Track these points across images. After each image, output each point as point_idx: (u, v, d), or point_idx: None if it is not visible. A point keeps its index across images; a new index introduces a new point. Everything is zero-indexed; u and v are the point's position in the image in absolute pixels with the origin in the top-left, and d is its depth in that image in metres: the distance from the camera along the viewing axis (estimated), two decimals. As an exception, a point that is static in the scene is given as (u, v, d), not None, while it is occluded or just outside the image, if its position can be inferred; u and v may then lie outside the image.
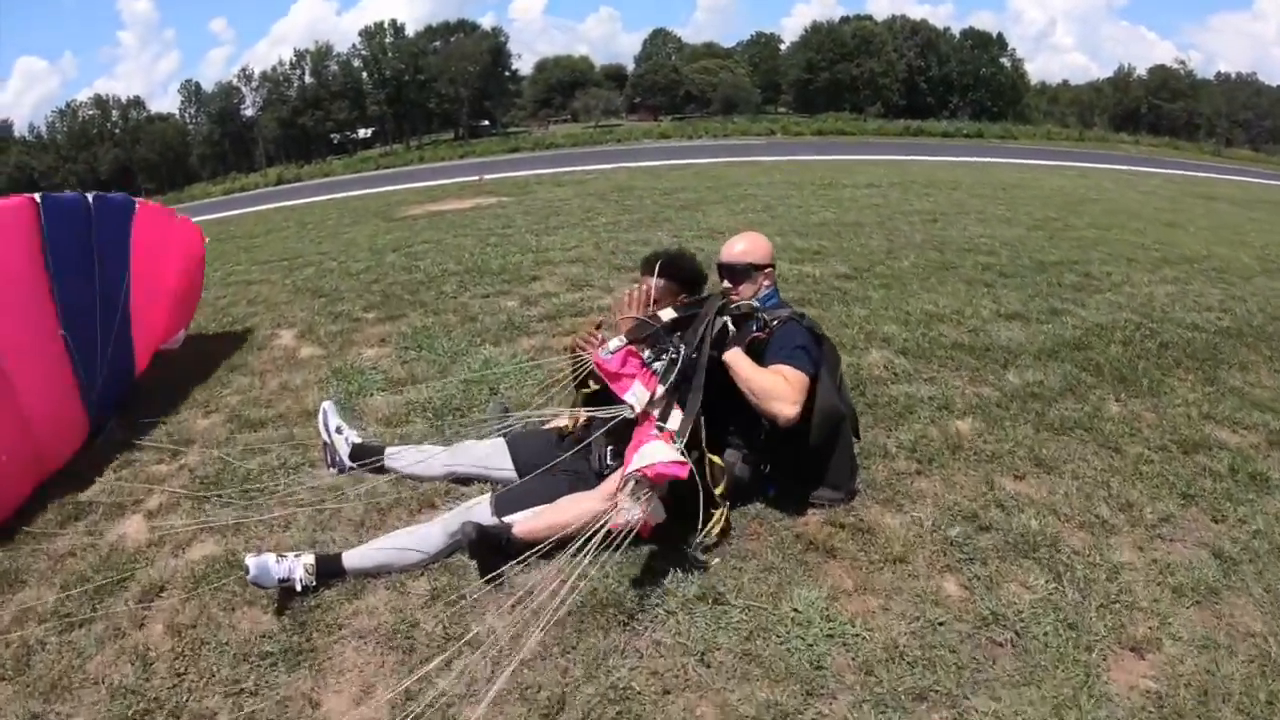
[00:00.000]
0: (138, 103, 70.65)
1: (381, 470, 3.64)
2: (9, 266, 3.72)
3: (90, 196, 4.34)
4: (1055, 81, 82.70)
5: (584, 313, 6.01)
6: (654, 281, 3.32)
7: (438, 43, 71.19)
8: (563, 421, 3.52)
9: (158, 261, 4.84)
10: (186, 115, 70.95)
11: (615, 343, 3.10)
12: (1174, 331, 5.53)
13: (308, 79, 70.67)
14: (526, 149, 36.74)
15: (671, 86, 72.61)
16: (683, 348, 3.03)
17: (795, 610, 2.76)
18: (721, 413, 3.14)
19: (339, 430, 3.72)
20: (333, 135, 71.19)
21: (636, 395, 3.02)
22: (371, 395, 4.69)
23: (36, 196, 3.87)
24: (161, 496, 3.72)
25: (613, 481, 2.98)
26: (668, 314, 3.17)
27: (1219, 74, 75.24)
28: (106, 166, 63.58)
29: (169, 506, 3.64)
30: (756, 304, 3.35)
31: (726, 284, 3.45)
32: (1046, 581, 2.83)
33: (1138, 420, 4.08)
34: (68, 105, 69.05)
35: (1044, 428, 3.97)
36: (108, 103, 68.96)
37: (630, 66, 79.25)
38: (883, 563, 2.96)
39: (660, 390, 3.00)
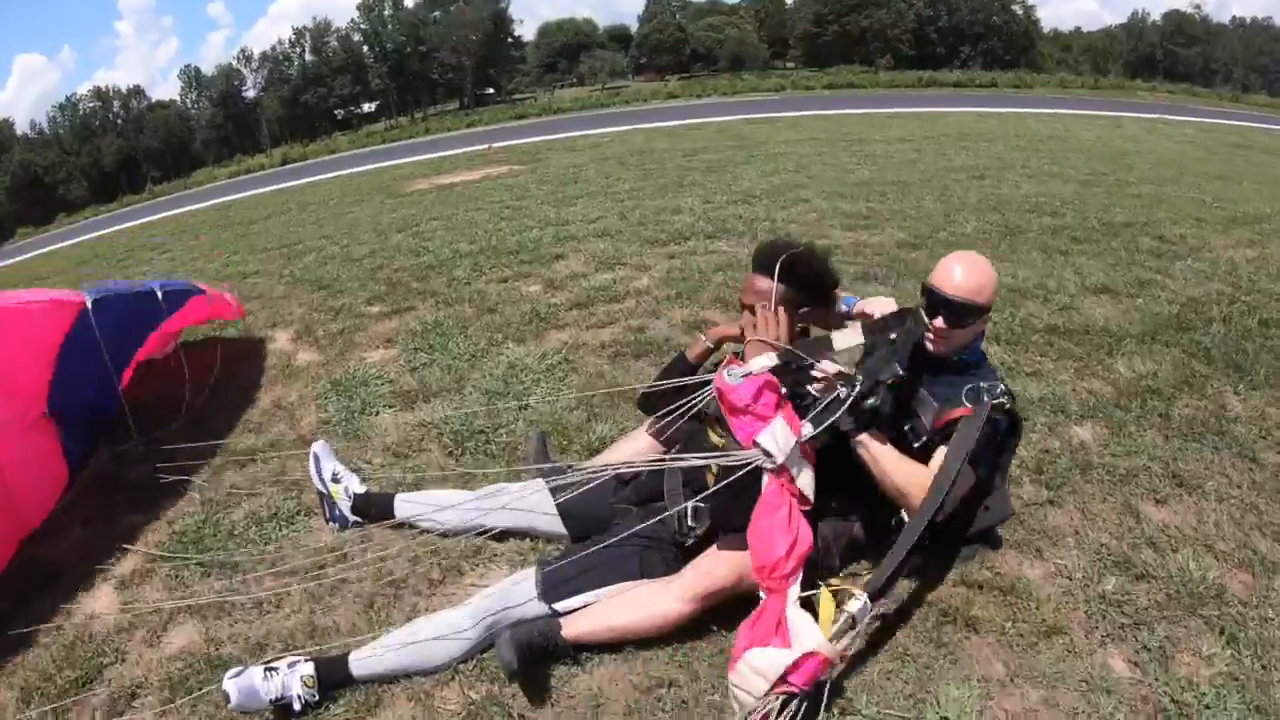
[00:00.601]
0: (138, 92, 69.88)
1: (392, 522, 3.02)
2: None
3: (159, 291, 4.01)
4: (1068, 29, 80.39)
5: (619, 298, 5.36)
6: (771, 285, 2.59)
7: (437, 12, 69.73)
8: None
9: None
10: (188, 101, 70.25)
11: (760, 362, 2.37)
12: (1270, 306, 5.12)
13: (308, 56, 69.84)
14: (533, 115, 36.01)
15: (677, 45, 71.07)
16: (854, 385, 2.41)
17: (944, 718, 2.20)
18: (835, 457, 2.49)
19: (335, 478, 3.06)
20: (336, 111, 70.49)
21: (777, 440, 2.29)
22: (377, 413, 4.02)
23: (88, 302, 3.51)
24: (136, 559, 3.11)
25: (703, 581, 2.42)
26: (845, 339, 2.49)
27: (1234, 18, 73.73)
28: (110, 158, 63.23)
29: (143, 573, 3.02)
30: (966, 357, 2.62)
31: (936, 320, 2.55)
32: (1222, 648, 2.37)
33: (1264, 419, 3.67)
34: (68, 99, 68.32)
35: (1171, 433, 3.54)
36: (108, 94, 68.20)
37: (634, 26, 77.55)
38: (1036, 636, 2.44)
39: (805, 433, 2.36)
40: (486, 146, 16.22)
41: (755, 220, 7.23)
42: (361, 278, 6.39)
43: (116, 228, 19.27)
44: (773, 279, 2.58)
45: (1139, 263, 6.03)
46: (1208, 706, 2.17)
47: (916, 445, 2.54)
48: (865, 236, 6.77)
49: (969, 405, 2.47)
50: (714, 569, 2.41)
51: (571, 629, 2.38)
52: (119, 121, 67.03)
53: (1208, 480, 3.20)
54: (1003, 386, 2.52)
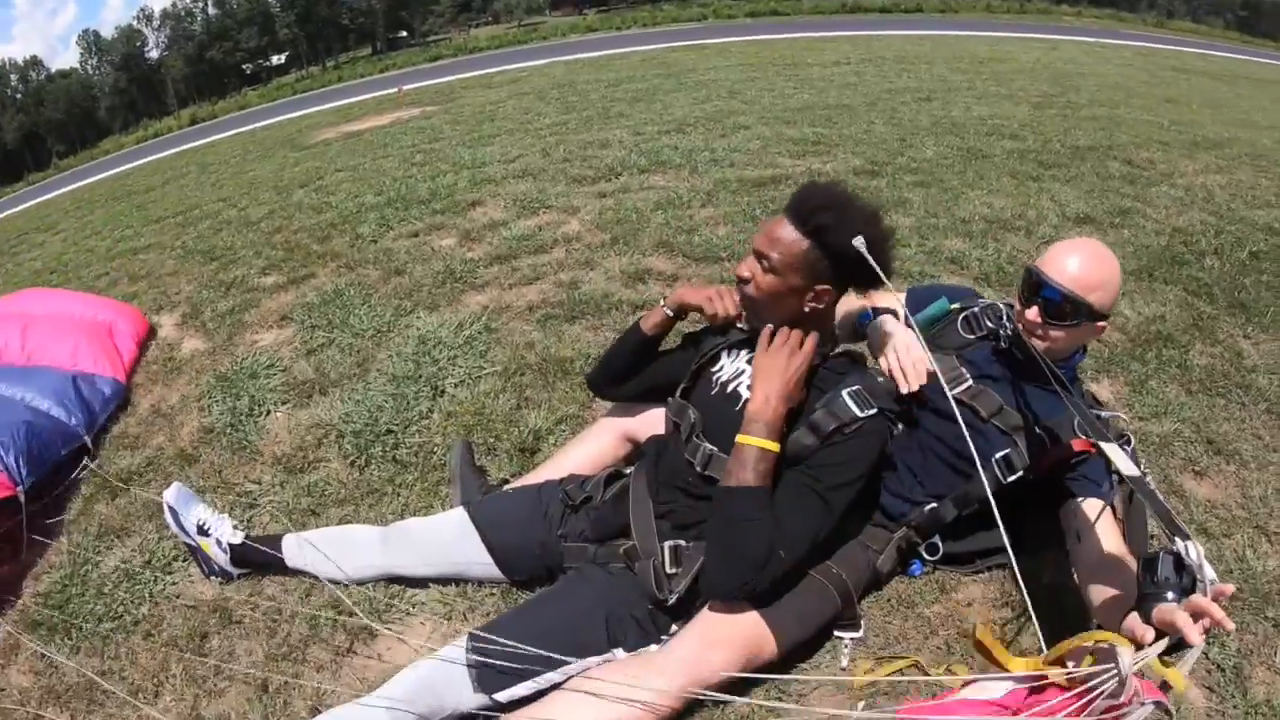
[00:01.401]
0: (36, 63, 67.47)
1: (283, 568, 2.38)
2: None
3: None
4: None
5: (545, 247, 4.70)
6: (794, 238, 1.87)
7: (344, -47, 67.71)
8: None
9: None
10: (89, 68, 67.92)
11: None
12: (1256, 237, 4.96)
13: (211, 10, 67.80)
14: (449, 56, 34.67)
15: (595, -22, 69.60)
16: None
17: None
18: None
19: (203, 529, 2.39)
20: (244, 66, 68.36)
21: None
22: (267, 413, 3.34)
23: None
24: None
25: (698, 670, 1.78)
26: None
27: (1159, -58, 74.11)
28: (12, 135, 60.93)
29: (6, 650, 2.39)
30: (1061, 370, 2.09)
31: (1030, 311, 2.05)
32: None
33: (1279, 366, 3.46)
34: (-38, 77, 65.58)
35: (1194, 387, 3.27)
36: (4, 68, 65.62)
37: (551, -41, 75.68)
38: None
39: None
40: (397, 89, 15.20)
41: (694, 151, 6.60)
42: (257, 244, 5.63)
43: (19, 208, 17.98)
44: (803, 230, 1.87)
45: (1114, 189, 5.74)
46: None
47: (1010, 479, 2.07)
48: (817, 164, 6.28)
49: (1083, 437, 2.02)
50: (712, 653, 1.78)
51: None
52: (18, 96, 64.59)
53: (1242, 444, 2.93)
54: (1123, 415, 2.14)
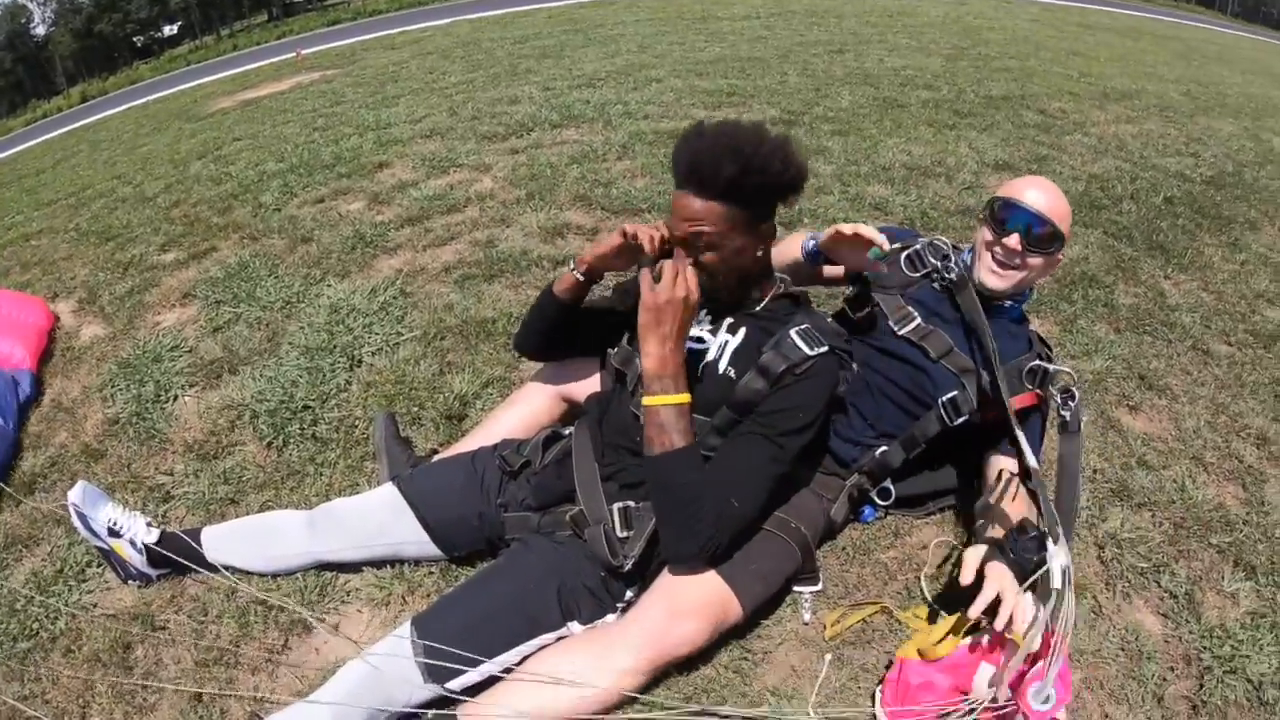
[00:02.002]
0: None
1: (205, 565, 2.17)
2: None
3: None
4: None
5: (458, 206, 4.51)
6: (709, 206, 1.71)
7: (232, -88, 64.91)
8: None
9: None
10: None
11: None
12: (1169, 183, 5.20)
13: None
14: (348, 20, 33.48)
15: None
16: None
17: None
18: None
19: (115, 530, 2.16)
20: (135, 39, 64.83)
21: None
22: (175, 398, 3.07)
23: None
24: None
25: (663, 642, 1.70)
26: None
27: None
28: None
29: None
30: (1013, 308, 2.15)
31: (1010, 239, 1.97)
32: (1243, 580, 2.22)
33: (1200, 305, 3.69)
34: None
35: (1121, 325, 3.42)
36: None
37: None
38: None
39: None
40: (295, 54, 14.58)
41: (606, 104, 6.46)
42: (155, 220, 5.27)
43: None
44: (720, 199, 1.70)
45: (1030, 138, 5.92)
46: (1246, 656, 1.97)
47: (956, 421, 2.05)
48: (733, 115, 6.09)
49: (1032, 390, 2.03)
50: (680, 624, 1.69)
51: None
52: None
53: (1171, 379, 3.09)
54: (1067, 369, 2.06)
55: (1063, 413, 1.92)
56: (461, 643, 1.64)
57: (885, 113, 6.25)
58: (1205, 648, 1.98)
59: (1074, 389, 1.93)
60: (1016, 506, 1.90)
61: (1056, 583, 1.59)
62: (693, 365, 1.81)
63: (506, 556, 1.89)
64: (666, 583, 1.75)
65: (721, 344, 1.87)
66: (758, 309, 1.89)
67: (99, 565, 2.31)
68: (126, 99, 19.99)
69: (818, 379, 1.77)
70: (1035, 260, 1.99)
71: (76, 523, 2.15)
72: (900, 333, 2.09)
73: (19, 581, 2.33)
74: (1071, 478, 1.90)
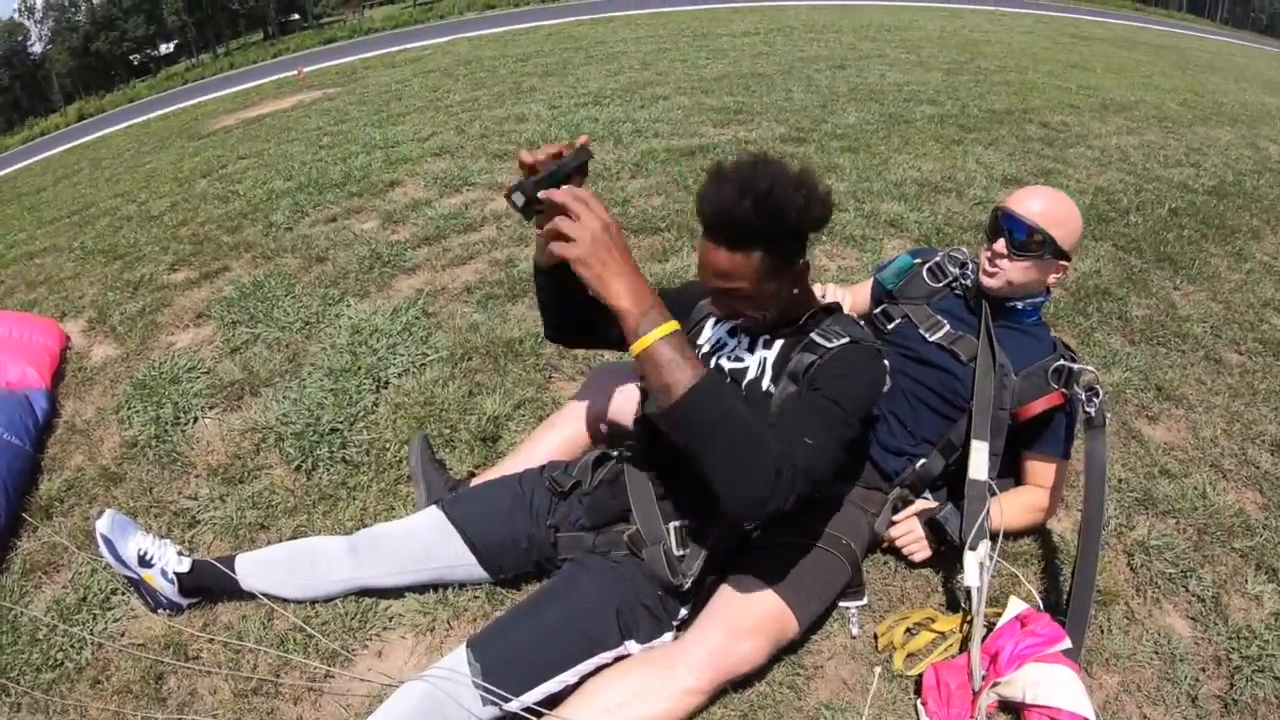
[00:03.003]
0: None
1: (240, 593, 2.14)
2: None
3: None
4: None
5: (474, 225, 4.51)
6: (739, 259, 1.61)
7: (233, -66, 65.26)
8: None
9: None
10: None
11: None
12: (1173, 194, 5.26)
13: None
14: (344, 38, 33.67)
15: (487, -46, 68.81)
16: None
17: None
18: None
19: (145, 560, 2.11)
20: (132, 57, 65.43)
21: None
22: (194, 420, 3.04)
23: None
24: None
25: (727, 660, 1.71)
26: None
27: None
28: None
29: None
30: (1027, 313, 2.20)
31: (997, 243, 2.10)
32: (1265, 583, 2.27)
33: (1209, 315, 3.73)
34: None
35: (1135, 338, 3.46)
36: None
37: (446, -65, 74.37)
38: (1094, 608, 2.08)
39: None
40: (297, 71, 14.62)
41: (615, 122, 6.47)
42: (163, 238, 5.23)
43: None
44: (748, 250, 1.60)
45: (1035, 151, 5.97)
46: (1273, 655, 2.01)
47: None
48: (742, 132, 6.22)
49: (1058, 389, 2.08)
50: (741, 643, 1.71)
51: None
52: None
53: (1186, 389, 3.13)
54: (1091, 369, 2.07)
55: (1088, 410, 1.99)
56: (520, 664, 1.64)
57: (892, 129, 6.28)
58: (1234, 648, 2.03)
59: (1098, 387, 2.00)
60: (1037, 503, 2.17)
61: (971, 580, 1.86)
62: (736, 386, 1.80)
63: (561, 577, 1.86)
64: (724, 602, 1.76)
65: (761, 361, 1.81)
66: (803, 322, 1.83)
67: (124, 593, 2.25)
68: (124, 117, 20.06)
69: (857, 350, 1.71)
70: (1022, 263, 2.08)
71: (105, 553, 2.09)
72: (931, 339, 2.19)
73: (40, 609, 2.26)
74: (1099, 472, 1.95)
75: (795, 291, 1.74)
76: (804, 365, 1.70)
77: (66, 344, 3.78)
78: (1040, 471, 2.17)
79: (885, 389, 1.77)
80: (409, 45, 17.24)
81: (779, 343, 1.82)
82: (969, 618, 1.91)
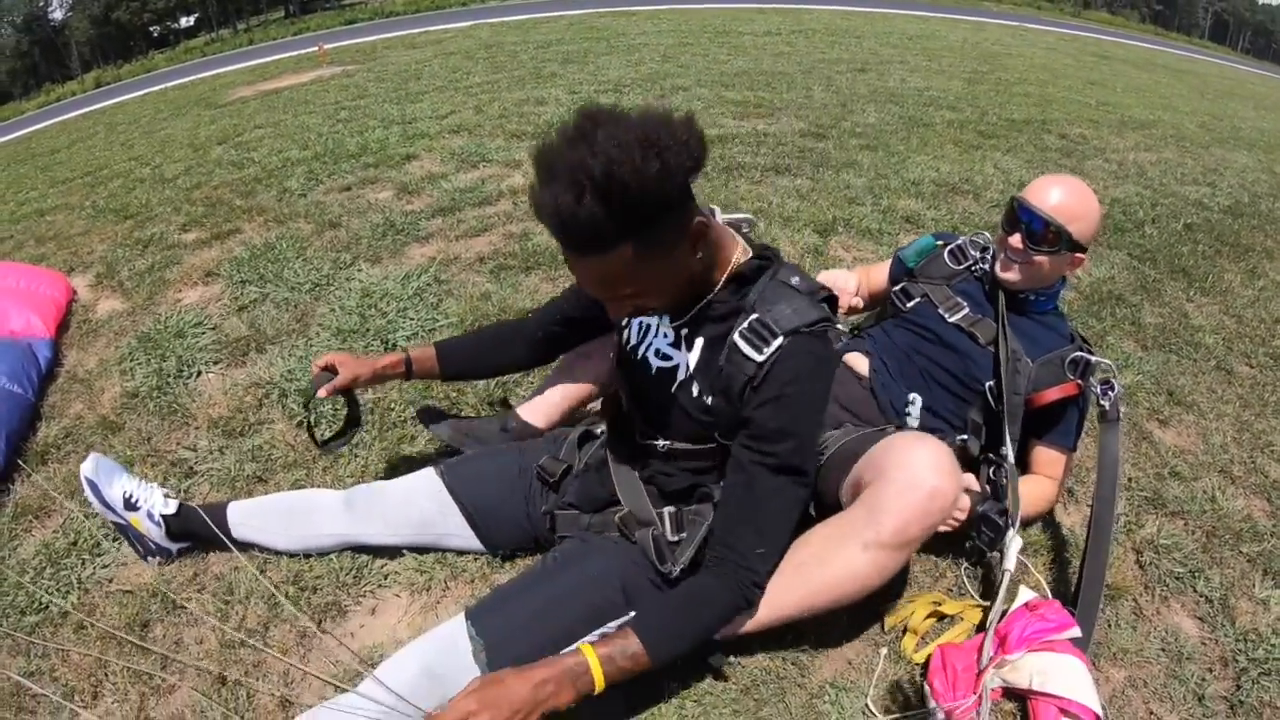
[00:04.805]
0: None
1: (228, 540, 2.07)
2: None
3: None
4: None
5: (490, 199, 4.48)
6: (611, 260, 1.33)
7: (256, -96, 64.96)
8: None
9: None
10: None
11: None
12: (1188, 210, 5.24)
13: None
14: (365, 19, 33.54)
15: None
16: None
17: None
18: None
19: (131, 503, 2.07)
20: (151, 28, 64.63)
21: None
22: (198, 373, 3.01)
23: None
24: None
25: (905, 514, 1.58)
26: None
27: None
28: None
29: None
30: (1042, 302, 2.23)
31: (1013, 237, 2.10)
32: (1273, 588, 2.25)
33: (1221, 327, 3.71)
34: None
35: (1148, 343, 3.45)
36: None
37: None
38: (1103, 602, 2.06)
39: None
40: (317, 47, 14.62)
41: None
42: (175, 200, 5.23)
43: None
44: (611, 248, 1.31)
45: (1053, 160, 5.98)
46: (1278, 659, 2.00)
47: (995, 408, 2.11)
48: (762, 126, 6.21)
49: (1073, 380, 2.07)
50: (910, 499, 1.54)
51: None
52: None
53: (1198, 396, 3.13)
54: (1108, 362, 2.08)
55: (1102, 402, 2.01)
56: (524, 636, 1.58)
57: (911, 130, 6.29)
58: (1240, 650, 2.02)
59: (1113, 380, 2.01)
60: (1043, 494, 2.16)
61: (1010, 564, 1.81)
62: (666, 387, 1.66)
63: (562, 550, 1.79)
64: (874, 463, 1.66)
65: (686, 362, 1.63)
66: (711, 305, 1.58)
67: (115, 539, 2.24)
68: (141, 86, 19.76)
69: (791, 377, 1.47)
70: (1040, 258, 2.09)
71: (89, 495, 2.06)
72: (950, 319, 2.20)
73: (29, 553, 2.25)
74: (1112, 464, 1.96)
75: (699, 255, 1.45)
76: (736, 387, 1.51)
77: (73, 297, 3.77)
78: (1048, 462, 2.16)
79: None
80: (430, 28, 17.27)
81: (699, 342, 1.60)
82: (978, 603, 1.91)
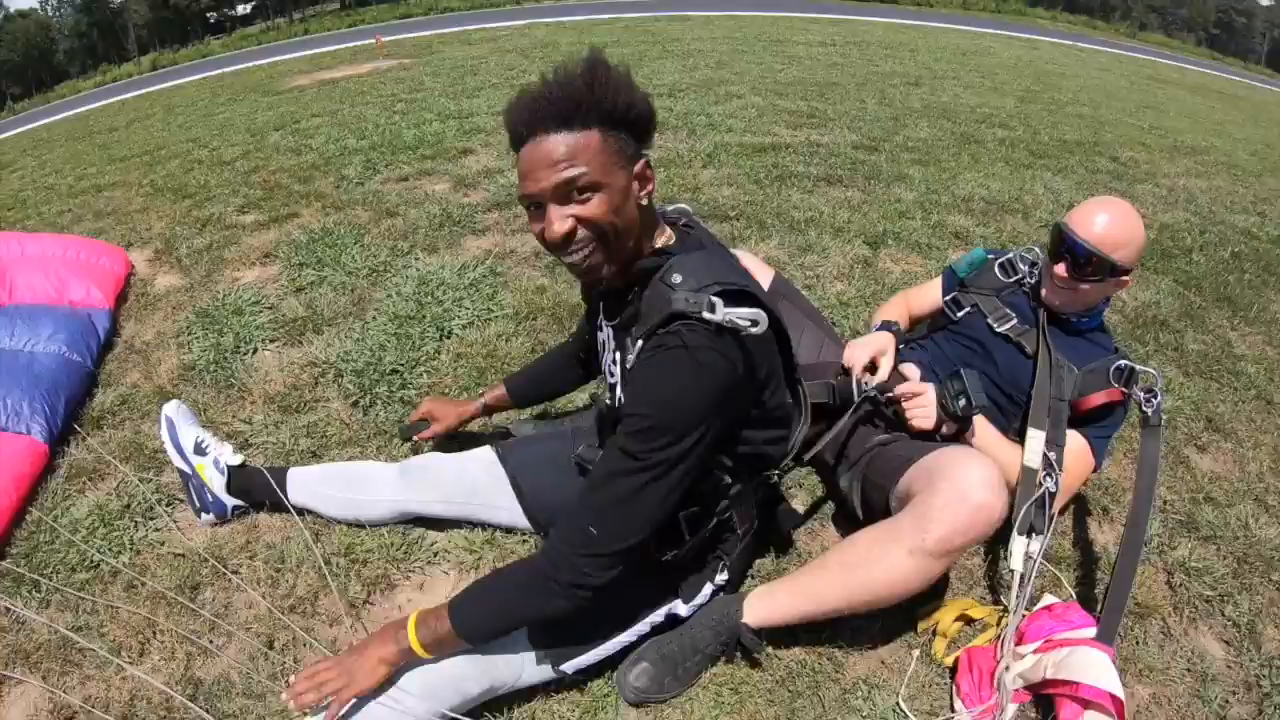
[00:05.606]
0: None
1: (284, 509, 2.18)
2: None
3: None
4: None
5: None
6: (580, 140, 1.37)
7: (316, -108, 65.52)
8: None
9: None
10: (49, 8, 64.91)
11: None
12: (1236, 239, 5.15)
13: None
14: (420, 14, 33.76)
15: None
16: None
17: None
18: None
19: (202, 448, 2.19)
20: (208, 14, 66.07)
21: None
22: (254, 350, 3.12)
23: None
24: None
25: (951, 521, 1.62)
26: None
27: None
28: None
29: None
30: (1085, 323, 2.25)
31: (1058, 267, 2.13)
32: None
33: (1264, 358, 3.65)
34: (-86, 16, 62.39)
35: (1190, 369, 3.41)
36: None
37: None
38: (1131, 619, 2.13)
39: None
40: (375, 39, 14.77)
41: (689, 114, 6.52)
42: (234, 182, 5.36)
43: None
44: (586, 127, 1.38)
45: (1102, 183, 5.89)
46: None
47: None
48: (815, 136, 6.22)
49: (1118, 387, 2.09)
50: (957, 511, 1.61)
51: (761, 613, 1.74)
52: None
53: (1237, 424, 3.08)
54: (1153, 370, 2.11)
55: (1145, 409, 2.04)
56: (580, 624, 1.65)
57: (963, 147, 6.26)
58: (1265, 676, 2.02)
59: (1156, 389, 2.04)
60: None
61: (1016, 564, 1.84)
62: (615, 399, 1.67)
63: None
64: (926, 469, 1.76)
65: (617, 374, 1.64)
66: (633, 297, 1.55)
67: (169, 505, 2.32)
68: (196, 71, 19.91)
69: (649, 370, 1.42)
70: (1085, 286, 2.11)
71: (165, 435, 2.19)
72: (999, 329, 2.25)
73: (82, 513, 2.33)
74: (1151, 469, 1.99)
75: (644, 201, 1.46)
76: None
77: (131, 270, 3.90)
78: (1075, 451, 2.10)
79: (737, 375, 1.42)
80: (485, 25, 17.36)
81: (621, 353, 1.60)
82: (1006, 610, 1.92)
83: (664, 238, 1.55)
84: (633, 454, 1.38)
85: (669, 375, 1.37)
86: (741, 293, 1.42)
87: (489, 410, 2.33)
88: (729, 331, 1.35)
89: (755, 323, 1.34)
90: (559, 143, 1.36)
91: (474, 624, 1.49)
